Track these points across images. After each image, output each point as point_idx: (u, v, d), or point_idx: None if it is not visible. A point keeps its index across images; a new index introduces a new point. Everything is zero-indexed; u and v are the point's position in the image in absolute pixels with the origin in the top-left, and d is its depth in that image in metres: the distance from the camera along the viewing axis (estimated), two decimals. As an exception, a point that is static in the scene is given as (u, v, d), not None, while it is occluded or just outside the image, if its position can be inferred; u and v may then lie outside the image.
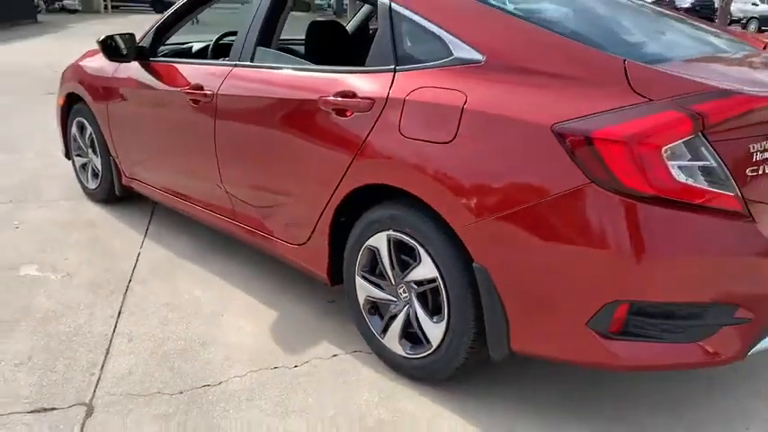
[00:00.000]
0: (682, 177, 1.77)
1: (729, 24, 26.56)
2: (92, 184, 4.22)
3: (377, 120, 2.27)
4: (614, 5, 2.72)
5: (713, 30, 2.83)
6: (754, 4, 29.11)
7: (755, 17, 24.83)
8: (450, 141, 2.06)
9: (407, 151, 2.17)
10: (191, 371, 2.44)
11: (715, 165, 1.79)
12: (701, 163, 1.79)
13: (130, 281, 3.16)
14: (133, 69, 3.52)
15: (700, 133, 1.77)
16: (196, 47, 4.00)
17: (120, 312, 2.86)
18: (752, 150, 1.84)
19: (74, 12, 30.42)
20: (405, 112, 2.19)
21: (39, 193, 4.44)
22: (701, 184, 1.79)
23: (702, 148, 1.78)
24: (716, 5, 25.98)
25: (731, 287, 1.84)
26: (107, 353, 2.55)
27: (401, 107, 2.20)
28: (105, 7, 33.37)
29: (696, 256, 1.82)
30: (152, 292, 3.06)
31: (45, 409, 2.20)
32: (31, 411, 2.19)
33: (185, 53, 3.92)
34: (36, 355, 2.52)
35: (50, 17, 26.38)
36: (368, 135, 2.29)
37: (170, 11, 3.51)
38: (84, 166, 4.27)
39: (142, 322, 2.78)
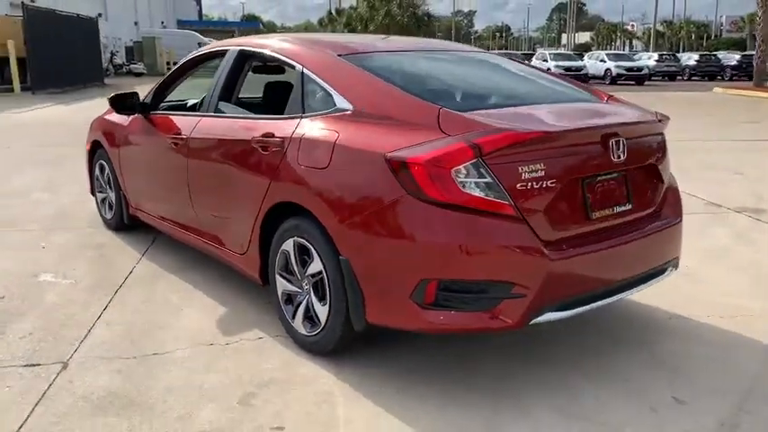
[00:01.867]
0: (469, 190, 2.46)
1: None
2: (108, 215, 5.11)
3: (285, 153, 3.03)
4: (465, 65, 3.56)
5: (560, 83, 3.53)
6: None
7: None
8: (326, 167, 2.80)
9: (302, 175, 2.93)
10: (146, 345, 3.18)
11: (492, 181, 2.47)
12: (483, 180, 2.47)
13: (120, 286, 3.97)
14: (137, 120, 4.42)
15: (480, 159, 2.46)
16: (190, 102, 4.88)
17: (106, 307, 3.65)
18: (521, 171, 2.51)
19: (139, 75, 32.91)
20: (301, 147, 2.96)
21: (68, 222, 5.38)
22: (484, 195, 2.47)
23: (482, 169, 2.47)
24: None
25: (507, 270, 2.50)
26: (88, 332, 3.32)
27: (299, 143, 2.97)
28: (168, 69, 35.76)
29: (480, 246, 2.49)
30: (135, 294, 3.85)
31: (33, 365, 2.98)
32: (23, 366, 2.97)
33: (180, 107, 4.81)
34: (36, 332, 3.32)
35: (118, 80, 28.74)
36: (279, 165, 3.05)
37: (165, 75, 4.42)
38: (103, 200, 5.19)
39: (121, 313, 3.56)
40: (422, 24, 32.96)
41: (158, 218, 4.38)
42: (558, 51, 40.87)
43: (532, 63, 31.52)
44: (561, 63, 30.97)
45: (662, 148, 3.13)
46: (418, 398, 2.71)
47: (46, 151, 9.12)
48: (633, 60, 34.07)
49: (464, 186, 2.47)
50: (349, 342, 2.96)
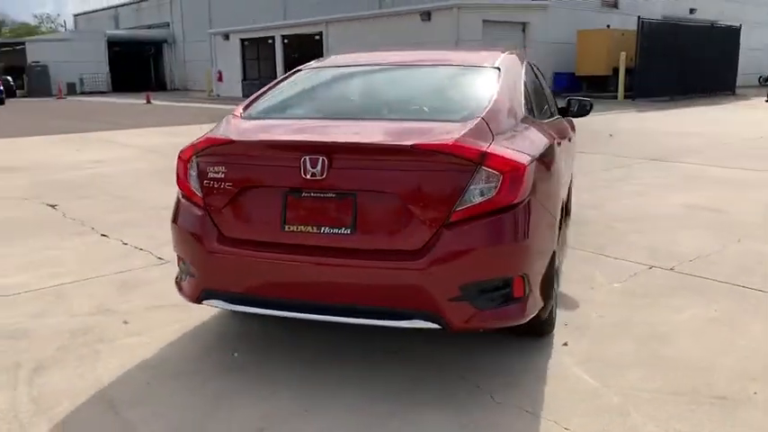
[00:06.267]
0: (188, 181, 2.94)
1: None
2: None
3: None
4: (388, 79, 3.68)
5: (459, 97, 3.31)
6: None
7: None
8: None
9: None
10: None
11: (195, 175, 2.92)
12: (194, 174, 2.92)
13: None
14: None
15: (195, 156, 2.92)
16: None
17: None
18: (208, 170, 2.88)
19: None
20: None
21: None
22: (192, 186, 2.93)
23: (195, 165, 2.92)
24: None
25: (184, 250, 2.96)
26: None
27: None
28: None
29: (179, 226, 2.98)
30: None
31: (118, 272, 4.40)
32: (115, 273, 4.41)
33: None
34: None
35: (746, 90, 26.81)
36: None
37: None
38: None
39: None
40: None
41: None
42: None
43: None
44: None
45: (441, 183, 2.60)
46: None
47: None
48: None
49: (187, 178, 2.96)
50: None
